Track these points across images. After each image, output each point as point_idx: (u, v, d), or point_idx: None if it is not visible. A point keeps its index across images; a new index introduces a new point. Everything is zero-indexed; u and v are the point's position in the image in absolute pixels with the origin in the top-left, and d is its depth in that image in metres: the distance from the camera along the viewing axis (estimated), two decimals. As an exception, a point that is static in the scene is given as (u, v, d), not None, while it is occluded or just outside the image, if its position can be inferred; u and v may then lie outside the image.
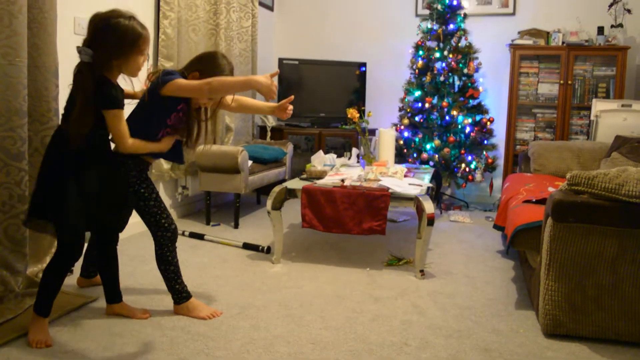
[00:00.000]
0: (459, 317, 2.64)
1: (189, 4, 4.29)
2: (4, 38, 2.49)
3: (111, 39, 2.17)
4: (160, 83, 2.30)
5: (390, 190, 3.24)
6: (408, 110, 5.22)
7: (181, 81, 2.32)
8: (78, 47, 2.17)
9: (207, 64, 2.48)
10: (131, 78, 2.34)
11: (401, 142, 5.16)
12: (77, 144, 2.17)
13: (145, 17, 3.93)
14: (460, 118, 5.05)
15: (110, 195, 2.32)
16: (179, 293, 2.56)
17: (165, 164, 4.14)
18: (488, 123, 5.13)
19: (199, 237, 3.90)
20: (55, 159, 2.23)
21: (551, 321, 2.40)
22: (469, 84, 5.11)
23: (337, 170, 3.81)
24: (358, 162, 4.24)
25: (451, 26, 5.11)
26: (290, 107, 2.70)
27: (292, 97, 2.73)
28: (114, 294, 2.56)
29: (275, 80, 2.43)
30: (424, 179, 3.74)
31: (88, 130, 2.17)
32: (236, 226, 4.30)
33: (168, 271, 2.53)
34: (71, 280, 2.90)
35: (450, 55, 5.07)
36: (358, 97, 5.67)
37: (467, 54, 5.09)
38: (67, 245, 2.26)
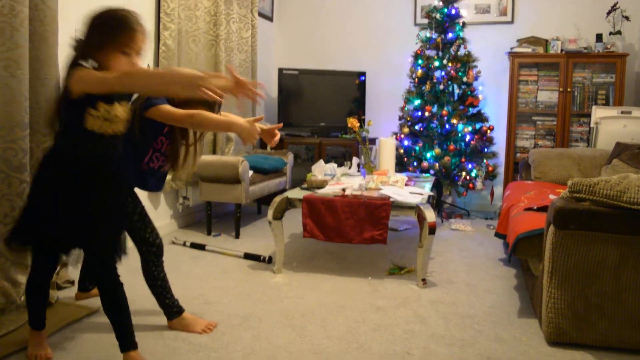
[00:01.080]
0: (462, 326, 2.63)
1: (189, 16, 4.31)
2: (5, 50, 2.50)
3: (93, 23, 1.96)
4: (145, 107, 2.27)
5: (391, 199, 3.24)
6: (408, 119, 5.23)
7: (165, 108, 2.27)
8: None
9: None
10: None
11: (401, 150, 5.17)
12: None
13: (146, 28, 3.95)
14: (460, 126, 5.06)
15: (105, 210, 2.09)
16: (170, 308, 2.54)
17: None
18: (488, 131, 5.13)
19: (200, 247, 3.89)
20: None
21: (554, 329, 2.39)
22: (469, 92, 5.12)
23: (338, 180, 3.81)
24: (359, 171, 4.24)
25: (450, 35, 5.13)
26: (278, 135, 2.63)
27: (281, 124, 2.73)
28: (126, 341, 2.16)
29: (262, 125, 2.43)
30: (425, 188, 3.74)
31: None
32: (237, 236, 4.29)
33: (155, 286, 2.52)
34: (72, 292, 2.90)
35: (450, 64, 5.08)
36: (358, 106, 5.68)
37: (467, 62, 5.11)
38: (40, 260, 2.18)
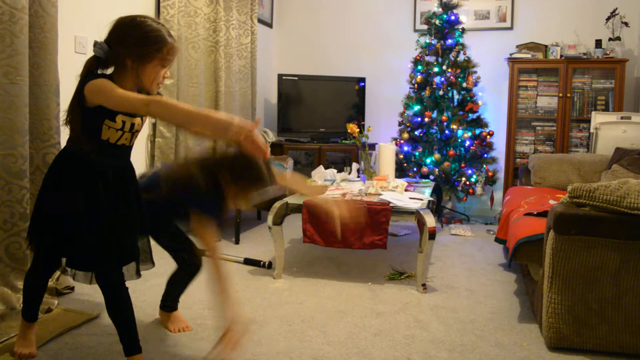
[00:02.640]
0: (462, 331, 2.62)
1: (188, 22, 4.32)
2: (5, 57, 2.51)
3: (132, 34, 1.89)
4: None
5: (391, 205, 3.24)
6: (408, 124, 5.23)
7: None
8: (95, 41, 1.91)
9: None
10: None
11: (401, 156, 5.17)
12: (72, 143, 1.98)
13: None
14: (459, 132, 5.06)
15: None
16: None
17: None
18: (488, 136, 5.14)
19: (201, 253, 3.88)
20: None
21: (555, 334, 2.39)
22: (468, 98, 5.12)
23: (338, 185, 3.82)
24: (358, 176, 4.25)
25: (449, 41, 5.13)
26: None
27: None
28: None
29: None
30: (425, 193, 3.74)
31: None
32: (237, 242, 4.29)
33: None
34: (72, 298, 2.89)
35: (449, 70, 5.09)
36: (357, 112, 5.69)
37: (466, 68, 5.12)
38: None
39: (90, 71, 1.91)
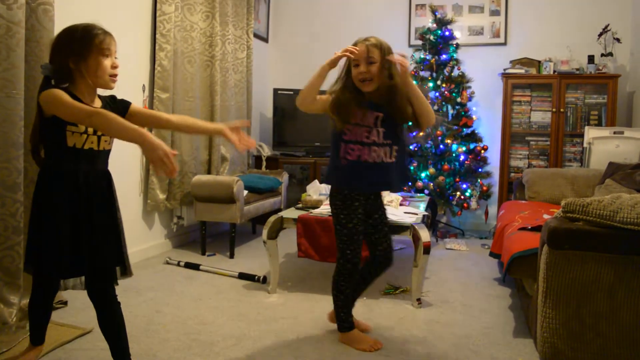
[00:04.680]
0: (457, 346, 2.62)
1: (185, 37, 4.34)
2: (1, 71, 2.52)
3: (63, 38, 1.96)
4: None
5: (386, 219, 3.24)
6: (402, 139, 5.24)
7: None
8: (40, 65, 2.02)
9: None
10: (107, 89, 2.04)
11: (396, 170, 5.17)
12: (35, 160, 2.04)
13: (142, 49, 3.98)
14: (454, 146, 5.08)
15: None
16: (342, 322, 2.64)
17: (160, 194, 4.14)
18: (482, 151, 5.16)
19: (195, 267, 3.88)
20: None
21: (549, 349, 2.38)
22: (463, 113, 5.16)
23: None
24: (353, 190, 4.24)
25: (444, 56, 5.18)
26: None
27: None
28: None
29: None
30: (420, 208, 3.75)
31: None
32: (232, 256, 4.28)
33: (338, 298, 2.66)
34: (65, 312, 2.87)
35: (444, 85, 5.13)
36: (353, 127, 5.69)
37: (460, 83, 5.16)
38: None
39: (44, 85, 1.94)
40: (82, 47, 1.93)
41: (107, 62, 1.98)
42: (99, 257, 1.99)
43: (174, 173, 1.80)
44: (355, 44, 2.51)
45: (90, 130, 1.96)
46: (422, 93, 2.49)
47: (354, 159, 2.49)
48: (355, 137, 2.50)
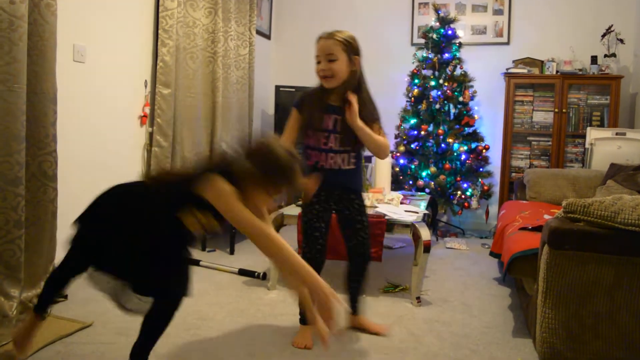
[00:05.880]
0: (456, 345, 2.62)
1: (187, 33, 4.34)
2: (3, 65, 2.51)
3: (260, 156, 1.90)
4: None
5: (386, 217, 3.25)
6: (404, 137, 5.25)
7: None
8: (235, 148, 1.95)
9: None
10: None
11: (397, 169, 5.18)
12: None
13: (144, 44, 3.98)
14: (455, 145, 5.08)
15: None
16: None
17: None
18: (483, 150, 5.16)
19: (195, 263, 3.88)
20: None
21: (549, 349, 2.38)
22: (465, 112, 5.15)
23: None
24: (354, 188, 4.24)
25: (446, 55, 5.17)
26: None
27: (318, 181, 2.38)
28: None
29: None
30: (420, 206, 3.75)
31: None
32: (232, 252, 4.28)
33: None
34: (65, 306, 2.88)
35: (446, 84, 5.12)
36: (354, 124, 5.68)
37: (463, 82, 5.15)
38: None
39: (220, 165, 1.90)
40: (276, 181, 1.90)
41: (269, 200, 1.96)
42: None
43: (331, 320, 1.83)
44: (318, 38, 2.49)
45: (205, 222, 1.92)
46: (371, 134, 2.47)
47: (312, 164, 2.52)
48: (313, 143, 2.52)
